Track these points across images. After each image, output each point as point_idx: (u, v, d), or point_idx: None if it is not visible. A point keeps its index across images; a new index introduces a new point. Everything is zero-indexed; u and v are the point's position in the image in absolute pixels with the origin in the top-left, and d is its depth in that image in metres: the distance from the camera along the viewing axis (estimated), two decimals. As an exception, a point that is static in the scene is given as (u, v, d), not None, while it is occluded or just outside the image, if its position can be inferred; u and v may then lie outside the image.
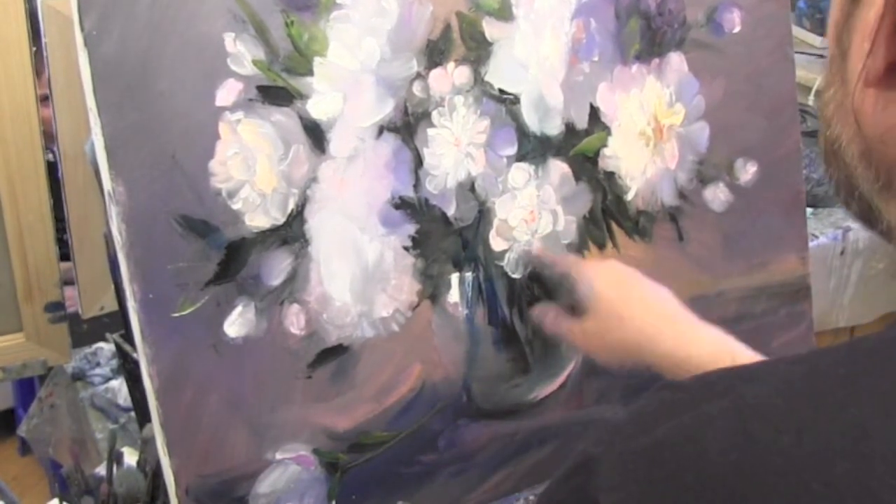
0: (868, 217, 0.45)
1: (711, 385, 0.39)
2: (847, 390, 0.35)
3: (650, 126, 0.88)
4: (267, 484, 0.73)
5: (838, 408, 0.35)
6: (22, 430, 1.30)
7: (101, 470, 0.96)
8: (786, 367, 0.38)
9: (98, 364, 1.52)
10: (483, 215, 0.81)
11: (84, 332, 1.24)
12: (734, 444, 0.35)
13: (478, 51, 0.77)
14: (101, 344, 1.54)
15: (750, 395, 0.37)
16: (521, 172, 0.82)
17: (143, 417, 0.95)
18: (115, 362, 1.52)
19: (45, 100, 0.95)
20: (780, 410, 0.36)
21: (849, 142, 0.44)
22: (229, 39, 0.66)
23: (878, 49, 0.39)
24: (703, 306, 0.94)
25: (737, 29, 0.90)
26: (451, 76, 0.76)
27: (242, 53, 0.67)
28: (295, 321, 0.72)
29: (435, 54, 0.75)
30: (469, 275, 0.81)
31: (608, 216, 0.87)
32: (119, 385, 1.46)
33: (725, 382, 0.39)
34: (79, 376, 1.52)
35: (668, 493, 0.35)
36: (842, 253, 1.57)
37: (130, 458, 0.94)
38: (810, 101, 1.61)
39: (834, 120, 0.45)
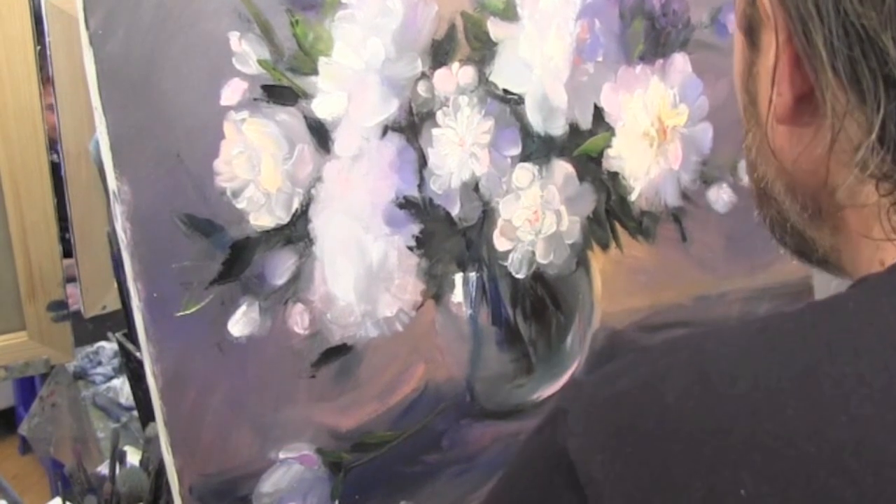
0: (803, 250, 0.49)
1: (673, 343, 0.42)
2: (797, 342, 0.37)
3: (654, 127, 0.89)
4: (270, 483, 0.73)
5: (789, 356, 0.37)
6: (23, 428, 1.30)
7: (103, 469, 0.96)
8: (741, 326, 0.41)
9: (100, 363, 1.53)
10: (487, 215, 0.81)
11: (86, 331, 1.24)
12: (691, 390, 0.37)
13: (482, 51, 0.77)
14: (102, 343, 1.55)
15: (707, 347, 0.39)
16: (524, 172, 0.82)
17: (146, 416, 0.95)
18: (116, 361, 1.53)
19: (48, 104, 0.95)
20: (734, 360, 0.38)
21: (774, 179, 0.47)
22: (234, 39, 0.66)
23: (782, 87, 0.42)
24: (706, 307, 0.95)
25: (741, 30, 0.90)
26: (455, 76, 0.76)
27: (247, 53, 0.67)
28: (299, 320, 0.72)
29: (440, 54, 0.75)
30: (473, 275, 0.81)
31: (612, 216, 0.87)
32: (120, 384, 1.46)
33: (686, 340, 0.41)
34: (80, 375, 1.53)
35: (629, 438, 0.37)
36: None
37: (133, 457, 0.94)
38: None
39: (758, 161, 0.48)
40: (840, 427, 0.34)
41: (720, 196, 0.93)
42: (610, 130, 0.86)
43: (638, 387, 0.39)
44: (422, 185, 0.76)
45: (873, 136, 0.38)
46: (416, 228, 0.76)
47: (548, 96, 0.81)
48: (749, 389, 0.36)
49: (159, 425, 0.68)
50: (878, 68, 0.37)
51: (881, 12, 0.36)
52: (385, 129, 0.73)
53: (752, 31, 0.46)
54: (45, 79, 0.93)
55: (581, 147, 0.85)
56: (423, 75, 0.74)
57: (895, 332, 0.36)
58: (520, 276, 0.83)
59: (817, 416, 0.34)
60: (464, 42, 0.76)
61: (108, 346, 1.54)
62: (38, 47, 0.90)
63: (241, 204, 0.68)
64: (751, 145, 0.49)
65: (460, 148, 0.77)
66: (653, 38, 0.86)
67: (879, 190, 0.40)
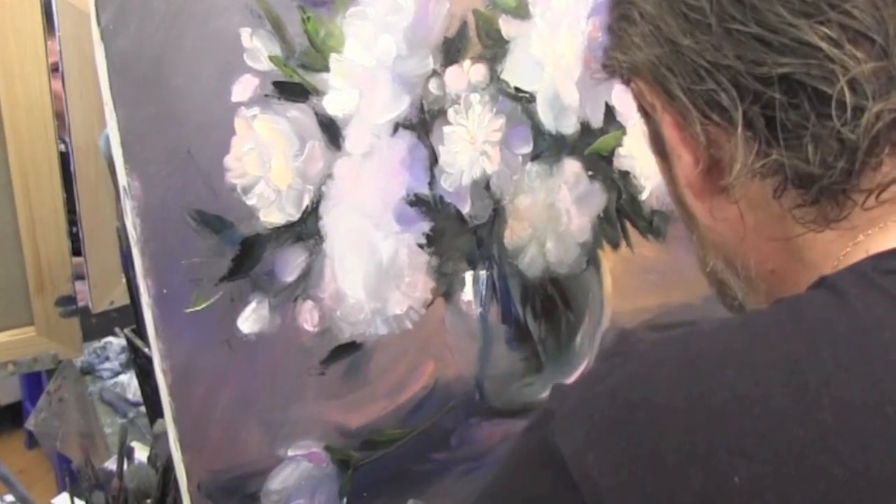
0: None
1: (656, 342, 0.44)
2: (779, 333, 0.40)
3: (665, 125, 0.88)
4: (278, 480, 0.73)
5: (772, 347, 0.39)
6: (30, 423, 1.30)
7: (111, 464, 0.96)
8: (722, 323, 0.43)
9: (107, 358, 1.53)
10: (497, 213, 0.80)
11: (93, 326, 1.24)
12: (681, 382, 0.39)
13: (494, 49, 0.77)
14: (109, 338, 1.55)
15: (692, 343, 0.41)
16: (535, 171, 0.81)
17: (154, 412, 0.95)
18: (123, 357, 1.53)
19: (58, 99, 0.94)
20: (721, 352, 0.40)
21: (716, 261, 0.52)
22: (246, 35, 0.66)
23: (679, 151, 0.46)
24: (716, 307, 0.94)
25: (753, 28, 0.89)
26: (467, 74, 0.76)
27: (259, 49, 0.66)
28: (308, 318, 0.72)
29: (451, 52, 0.74)
30: (483, 273, 0.81)
31: (622, 215, 0.87)
32: (128, 379, 1.47)
33: (669, 338, 0.43)
34: (87, 370, 1.53)
35: (622, 431, 0.38)
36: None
37: (141, 452, 0.94)
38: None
39: (705, 253, 0.52)
40: (824, 410, 0.36)
41: (731, 195, 0.92)
42: (621, 129, 0.85)
43: (628, 382, 0.40)
44: (432, 182, 0.76)
45: (739, 130, 0.41)
46: (426, 226, 0.76)
47: (559, 94, 0.81)
48: (737, 379, 0.38)
49: (168, 422, 0.68)
50: (727, 82, 0.41)
51: (711, 40, 0.41)
52: (396, 127, 0.73)
53: (661, 150, 0.50)
54: (56, 74, 0.93)
55: (592, 146, 0.84)
56: (435, 73, 0.74)
57: (865, 320, 0.38)
58: (530, 274, 0.83)
59: (802, 400, 0.37)
60: (475, 40, 0.76)
61: (116, 342, 1.54)
62: (49, 42, 0.90)
63: (251, 200, 0.68)
64: (697, 245, 0.53)
65: (471, 146, 0.77)
66: (665, 37, 0.86)
67: (776, 193, 0.43)
